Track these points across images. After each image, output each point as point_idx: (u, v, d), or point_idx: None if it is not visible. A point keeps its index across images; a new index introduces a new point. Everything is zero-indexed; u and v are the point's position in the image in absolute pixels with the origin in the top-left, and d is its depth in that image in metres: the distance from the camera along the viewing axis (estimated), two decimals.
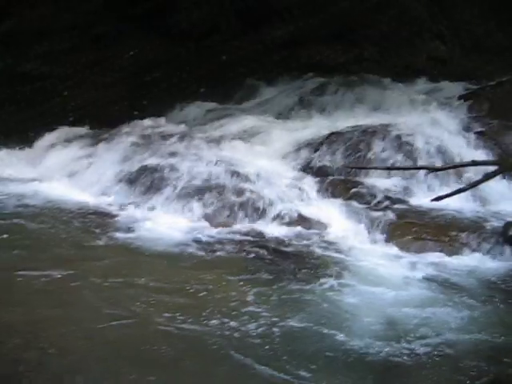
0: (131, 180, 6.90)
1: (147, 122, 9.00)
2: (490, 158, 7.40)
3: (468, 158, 6.78)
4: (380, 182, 7.05)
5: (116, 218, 6.15)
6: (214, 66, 11.31)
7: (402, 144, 7.50)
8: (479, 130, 8.31)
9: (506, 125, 8.37)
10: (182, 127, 8.81)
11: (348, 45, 12.03)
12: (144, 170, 6.98)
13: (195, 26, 11.12)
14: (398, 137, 7.58)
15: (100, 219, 6.12)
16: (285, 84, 10.61)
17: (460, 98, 9.65)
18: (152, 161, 7.15)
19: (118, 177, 7.07)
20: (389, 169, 7.05)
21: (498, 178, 6.24)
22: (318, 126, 8.62)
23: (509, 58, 12.89)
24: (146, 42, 11.12)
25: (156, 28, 10.86)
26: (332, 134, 7.94)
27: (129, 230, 5.78)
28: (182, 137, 8.19)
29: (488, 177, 5.89)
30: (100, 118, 9.48)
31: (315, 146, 7.86)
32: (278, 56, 11.55)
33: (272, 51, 11.60)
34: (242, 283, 4.66)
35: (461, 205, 6.61)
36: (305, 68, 11.08)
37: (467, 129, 8.32)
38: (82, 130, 8.93)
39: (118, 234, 5.65)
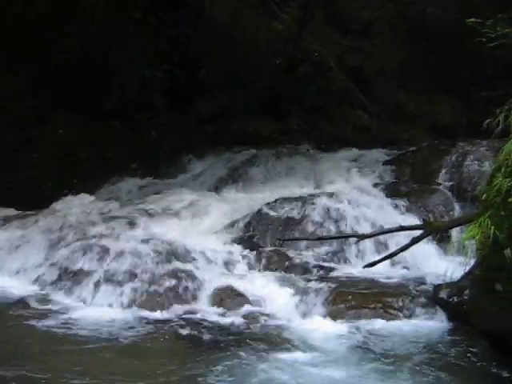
0: (58, 266, 6.64)
1: (77, 200, 8.82)
2: (416, 221, 7.65)
3: (395, 223, 7.03)
4: (312, 252, 7.14)
5: (42, 307, 5.87)
6: (146, 142, 11.40)
7: (331, 213, 7.67)
8: (404, 194, 8.65)
9: (427, 188, 8.76)
10: (113, 205, 8.69)
11: (277, 116, 12.48)
12: (73, 253, 6.75)
13: (127, 103, 11.25)
14: (328, 206, 7.76)
15: (25, 308, 5.82)
16: (216, 157, 10.76)
17: (384, 163, 10.10)
18: (81, 243, 6.93)
19: (44, 262, 6.80)
20: (320, 239, 7.18)
21: (424, 240, 6.44)
22: (250, 199, 8.74)
23: (422, 126, 13.82)
24: (77, 118, 11.14)
25: (88, 105, 10.93)
26: (264, 206, 8.01)
27: (54, 319, 5.51)
28: (113, 215, 8.07)
29: (415, 241, 6.11)
30: (28, 198, 9.23)
31: (248, 219, 7.90)
32: (209, 130, 11.82)
33: (202, 125, 11.86)
34: (175, 367, 4.50)
35: (392, 270, 6.78)
36: (235, 141, 11.34)
37: (392, 194, 8.63)
38: (10, 211, 8.61)
39: (44, 323, 5.37)
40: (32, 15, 11.01)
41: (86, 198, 8.97)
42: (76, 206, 8.53)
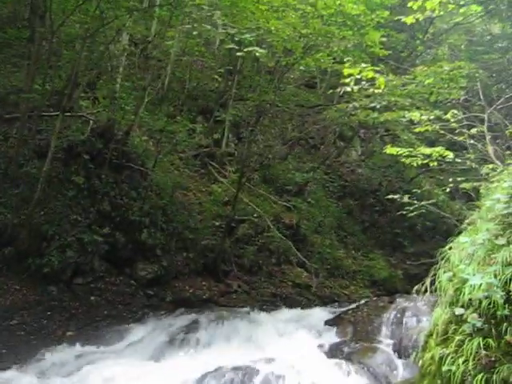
0: None
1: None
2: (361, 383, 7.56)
3: None
4: None
5: None
6: (84, 307, 11.07)
7: (272, 382, 7.45)
8: (347, 355, 8.60)
9: (370, 348, 8.77)
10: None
11: (217, 278, 12.56)
12: None
13: (66, 266, 11.07)
14: (268, 374, 7.55)
15: None
16: (156, 322, 10.51)
17: (326, 323, 10.13)
18: None
19: None
20: None
21: None
22: (191, 365, 8.40)
23: (361, 281, 14.26)
24: (12, 281, 10.81)
25: (25, 267, 10.72)
26: (205, 376, 7.72)
27: None
28: None
29: None
30: None
31: None
32: (149, 293, 11.65)
33: (143, 288, 11.71)
34: None
35: None
36: (176, 304, 11.21)
37: (335, 355, 8.57)
38: None
39: None
40: None
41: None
42: None
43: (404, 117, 9.80)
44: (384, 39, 11.69)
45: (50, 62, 11.92)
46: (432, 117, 8.42)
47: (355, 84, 6.73)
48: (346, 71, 6.67)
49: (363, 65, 6.70)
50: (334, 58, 11.96)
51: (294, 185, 16.23)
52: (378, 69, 7.23)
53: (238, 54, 8.72)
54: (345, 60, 8.02)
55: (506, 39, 18.39)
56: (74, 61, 12.26)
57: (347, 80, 6.70)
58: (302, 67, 11.75)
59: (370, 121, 11.90)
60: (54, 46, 11.91)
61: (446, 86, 10.77)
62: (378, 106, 10.43)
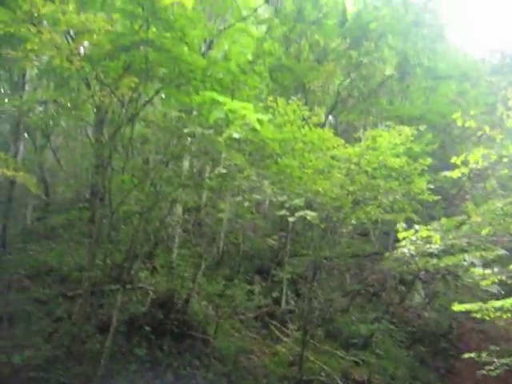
0: None
1: None
2: None
3: None
4: None
5: None
6: None
7: None
8: None
9: None
10: None
11: None
12: None
13: None
14: None
15: None
16: None
17: None
18: None
19: None
20: None
21: None
22: None
23: None
24: None
25: None
26: None
27: None
28: None
29: None
30: None
31: None
32: None
33: None
34: None
35: None
36: None
37: None
38: None
39: None
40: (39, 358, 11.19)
41: None
42: None
43: (465, 260, 9.56)
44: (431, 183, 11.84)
45: (109, 238, 12.49)
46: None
47: (411, 244, 6.72)
48: (400, 235, 6.70)
49: (416, 227, 6.74)
50: (384, 208, 12.08)
51: (360, 337, 15.60)
52: (431, 228, 7.23)
53: (290, 219, 8.93)
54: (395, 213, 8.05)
55: None
56: (132, 234, 12.82)
57: (402, 243, 6.71)
58: (353, 221, 11.87)
59: (430, 267, 11.64)
60: (113, 222, 12.56)
61: (501, 221, 10.57)
62: (436, 252, 10.27)
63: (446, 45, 20.11)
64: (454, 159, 6.61)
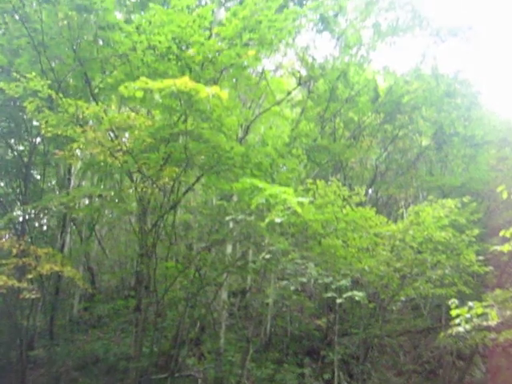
0: None
1: None
2: None
3: None
4: None
5: None
6: None
7: None
8: None
9: None
10: None
11: None
12: None
13: None
14: None
15: None
16: None
17: None
18: None
19: None
20: None
21: None
22: None
23: None
24: None
25: None
26: None
27: None
28: None
29: None
30: None
31: None
32: None
33: None
34: None
35: None
36: None
37: None
38: None
39: None
40: None
41: None
42: None
43: None
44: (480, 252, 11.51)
45: (155, 325, 12.43)
46: None
47: (465, 322, 6.45)
48: (453, 312, 6.46)
49: (470, 303, 6.50)
50: (433, 283, 11.73)
51: None
52: (486, 303, 6.96)
53: (338, 301, 8.75)
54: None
55: None
56: (178, 321, 12.74)
57: (456, 321, 6.45)
58: (401, 297, 11.54)
59: (489, 341, 11.08)
60: (158, 309, 12.54)
61: None
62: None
63: (482, 112, 20.06)
64: (502, 232, 6.44)
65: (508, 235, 6.45)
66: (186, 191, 11.79)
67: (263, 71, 14.62)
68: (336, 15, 14.15)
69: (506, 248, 6.64)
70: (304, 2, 13.21)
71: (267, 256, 8.91)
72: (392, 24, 15.46)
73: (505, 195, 6.49)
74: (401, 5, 15.19)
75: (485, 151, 18.72)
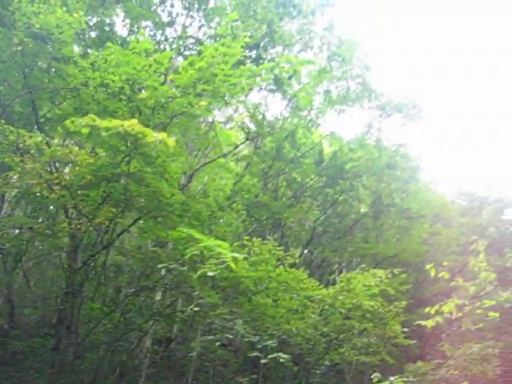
0: None
1: None
2: None
3: None
4: None
5: None
6: None
7: None
8: None
9: None
10: None
11: None
12: None
13: None
14: None
15: None
16: None
17: None
18: None
19: None
20: None
21: None
22: None
23: None
24: None
25: None
26: None
27: None
28: None
29: None
30: None
31: None
32: None
33: None
34: None
35: None
36: None
37: None
38: None
39: None
40: None
41: None
42: None
43: None
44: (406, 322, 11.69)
45: (73, 368, 11.85)
46: None
47: None
48: None
49: (391, 378, 6.56)
50: (358, 350, 11.81)
51: None
52: (406, 379, 7.03)
53: (262, 361, 8.63)
54: None
55: None
56: (96, 365, 12.21)
57: None
58: (326, 362, 11.52)
59: None
60: (78, 351, 12.00)
61: (479, 365, 10.33)
62: None
63: (419, 186, 20.93)
64: (427, 309, 6.60)
65: (433, 312, 6.61)
66: (121, 233, 11.52)
67: (213, 122, 14.77)
68: (290, 78, 14.57)
69: (429, 323, 6.79)
70: (260, 61, 13.57)
71: (196, 309, 8.75)
72: (342, 93, 16.09)
73: (433, 273, 6.70)
74: (353, 76, 15.86)
75: (419, 224, 19.39)
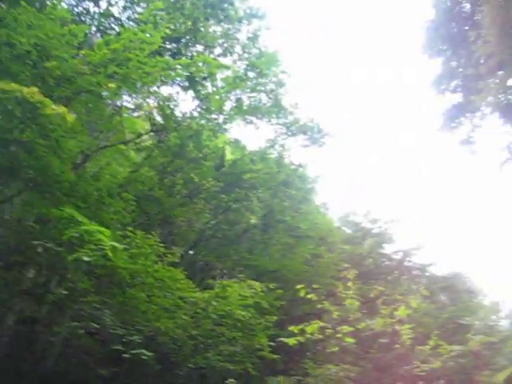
0: None
1: None
2: None
3: None
4: None
5: None
6: None
7: None
8: None
9: None
10: None
11: None
12: None
13: None
14: None
15: None
16: None
17: None
18: None
19: None
20: None
21: None
22: None
23: None
24: None
25: None
26: None
27: None
28: None
29: None
30: None
31: None
32: None
33: None
34: None
35: None
36: None
37: None
38: None
39: None
40: None
41: None
42: None
43: None
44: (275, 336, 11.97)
45: None
46: None
47: None
48: None
49: None
50: (224, 356, 11.93)
51: None
52: None
53: (125, 355, 8.47)
54: None
55: None
56: None
57: None
58: (190, 365, 11.52)
59: None
60: None
61: None
62: None
63: (311, 208, 21.58)
64: (292, 328, 6.84)
65: (296, 331, 6.85)
66: (3, 202, 10.91)
67: (121, 107, 14.40)
68: (205, 78, 14.57)
69: (291, 341, 7.03)
70: (179, 56, 13.48)
71: (64, 292, 8.45)
72: (254, 104, 16.32)
73: (303, 293, 6.94)
74: (266, 90, 16.14)
75: (304, 245, 19.94)
